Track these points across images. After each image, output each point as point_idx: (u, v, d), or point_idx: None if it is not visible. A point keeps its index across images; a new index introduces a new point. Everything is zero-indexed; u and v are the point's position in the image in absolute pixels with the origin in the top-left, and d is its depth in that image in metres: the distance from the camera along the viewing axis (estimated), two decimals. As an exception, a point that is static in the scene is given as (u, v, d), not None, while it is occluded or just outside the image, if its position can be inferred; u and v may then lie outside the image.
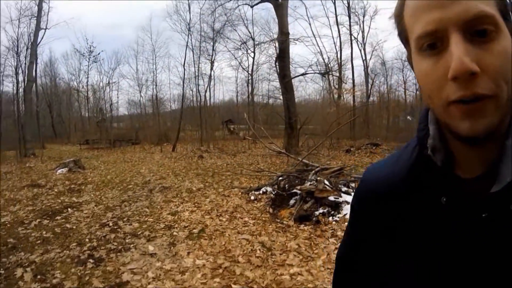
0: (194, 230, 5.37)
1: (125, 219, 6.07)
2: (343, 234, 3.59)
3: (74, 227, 5.71)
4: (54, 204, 7.28)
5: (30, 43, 21.10)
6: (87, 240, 5.04)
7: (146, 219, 6.10)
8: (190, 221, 5.84)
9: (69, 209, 6.81)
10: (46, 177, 11.00)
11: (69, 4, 55.16)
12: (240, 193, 7.81)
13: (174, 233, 5.27)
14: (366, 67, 29.02)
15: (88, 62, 34.47)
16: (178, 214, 6.33)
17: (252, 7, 21.47)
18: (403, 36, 0.61)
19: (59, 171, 12.04)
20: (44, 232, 5.41)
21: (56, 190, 8.90)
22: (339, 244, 3.49)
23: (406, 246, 0.66)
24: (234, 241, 4.86)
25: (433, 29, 0.52)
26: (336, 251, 3.47)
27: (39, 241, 5.02)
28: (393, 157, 0.75)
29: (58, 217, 6.26)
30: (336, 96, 26.48)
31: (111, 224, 5.78)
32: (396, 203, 0.68)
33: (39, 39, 21.58)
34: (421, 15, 0.53)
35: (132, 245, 4.79)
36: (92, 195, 8.26)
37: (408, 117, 24.28)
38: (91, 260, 4.26)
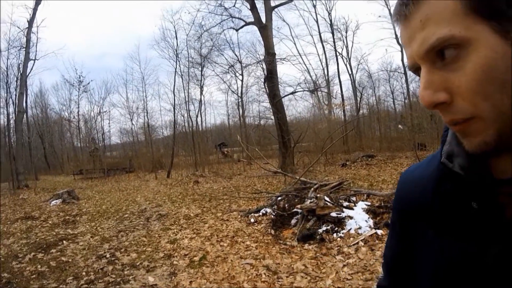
0: (195, 258, 5.18)
1: (122, 250, 5.87)
2: (349, 250, 3.45)
3: (70, 260, 5.50)
4: (48, 237, 7.06)
5: (19, 74, 21.05)
6: (84, 273, 4.84)
7: (144, 248, 5.90)
8: (190, 249, 5.65)
9: (64, 242, 6.59)
10: (40, 209, 10.76)
11: (57, 35, 55.50)
12: (239, 217, 7.63)
13: (174, 262, 5.08)
14: (353, 81, 29.45)
15: (78, 92, 34.41)
16: (177, 242, 6.13)
17: (237, 30, 21.84)
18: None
19: (53, 202, 11.80)
20: (39, 266, 5.22)
21: (50, 222, 8.67)
22: (347, 261, 3.35)
23: (437, 255, 0.63)
24: (237, 267, 4.68)
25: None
26: (344, 268, 3.32)
27: (34, 276, 4.82)
28: (428, 158, 0.73)
29: (53, 250, 6.05)
30: (326, 111, 26.65)
31: (108, 256, 5.57)
32: (427, 207, 0.65)
33: (28, 70, 21.69)
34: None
35: (131, 277, 4.60)
36: (87, 226, 8.04)
37: (400, 126, 24.32)
38: (89, 296, 4.07)
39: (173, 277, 4.51)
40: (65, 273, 4.90)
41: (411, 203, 0.70)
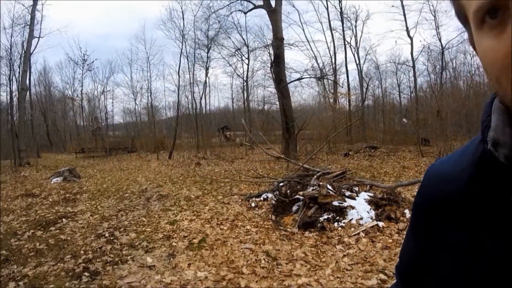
0: (194, 240, 5.14)
1: (121, 229, 5.84)
2: (350, 240, 3.36)
3: (69, 238, 5.47)
4: (48, 214, 7.04)
5: (23, 51, 20.93)
6: (82, 252, 4.81)
7: (143, 229, 5.87)
8: (190, 231, 5.61)
9: (63, 220, 6.57)
10: (41, 187, 10.77)
11: (62, 13, 55.14)
12: (240, 200, 7.60)
13: (173, 244, 5.04)
14: (360, 71, 29.31)
15: (82, 70, 34.43)
16: (177, 223, 6.10)
17: (245, 13, 21.58)
18: (462, 15, 0.50)
19: (54, 180, 11.80)
20: (37, 244, 5.18)
21: (50, 199, 8.66)
22: (347, 251, 3.25)
23: (470, 257, 0.54)
24: (237, 251, 4.64)
25: (483, 5, 0.42)
26: (344, 258, 3.23)
27: (32, 253, 4.79)
28: (457, 152, 0.65)
29: (52, 228, 6.03)
30: (332, 100, 26.52)
31: (107, 235, 5.55)
32: (459, 204, 0.57)
33: (32, 48, 21.58)
34: None
35: (129, 257, 4.56)
36: (87, 204, 8.02)
37: (404, 120, 24.31)
38: (86, 274, 4.03)
39: (172, 259, 4.47)
40: (63, 251, 4.87)
41: (440, 200, 0.62)
